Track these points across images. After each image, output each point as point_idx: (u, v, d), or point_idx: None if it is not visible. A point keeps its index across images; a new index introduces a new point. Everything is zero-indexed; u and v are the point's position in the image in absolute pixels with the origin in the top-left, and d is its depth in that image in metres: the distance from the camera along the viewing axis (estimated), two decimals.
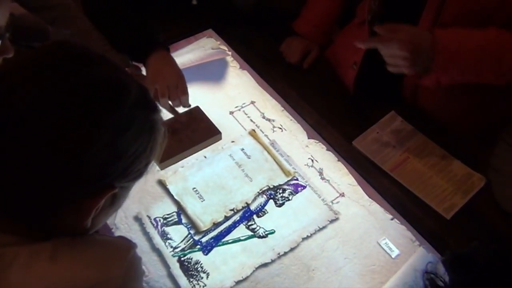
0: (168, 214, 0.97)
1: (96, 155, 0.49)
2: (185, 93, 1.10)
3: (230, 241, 0.94)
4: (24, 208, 0.51)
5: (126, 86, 0.53)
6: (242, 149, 1.08)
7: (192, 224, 0.95)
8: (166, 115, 1.12)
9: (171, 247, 0.92)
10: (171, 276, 0.89)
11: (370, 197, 1.03)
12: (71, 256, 0.52)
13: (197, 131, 1.10)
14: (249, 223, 0.97)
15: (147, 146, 0.56)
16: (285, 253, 0.94)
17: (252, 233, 0.96)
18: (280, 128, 1.15)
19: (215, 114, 1.15)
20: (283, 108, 1.19)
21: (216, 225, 0.96)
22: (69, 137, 0.48)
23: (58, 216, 0.52)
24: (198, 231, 0.94)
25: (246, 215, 0.98)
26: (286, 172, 1.05)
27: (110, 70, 0.53)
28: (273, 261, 0.92)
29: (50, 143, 0.48)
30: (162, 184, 1.01)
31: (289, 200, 1.02)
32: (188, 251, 0.92)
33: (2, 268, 0.48)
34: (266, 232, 0.96)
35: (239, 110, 1.18)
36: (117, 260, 0.54)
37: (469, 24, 0.93)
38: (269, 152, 1.08)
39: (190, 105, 1.12)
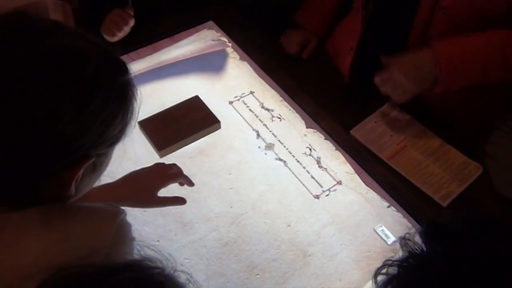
0: None
1: (64, 129, 0.49)
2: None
3: None
4: (5, 183, 0.51)
5: (83, 54, 0.51)
6: None
7: None
8: (165, 105, 1.14)
9: None
10: None
11: (367, 185, 1.04)
12: (60, 221, 0.53)
13: (197, 120, 1.11)
14: None
15: (119, 111, 0.55)
16: (282, 239, 0.95)
17: None
18: (279, 118, 1.16)
19: (214, 103, 1.16)
20: (282, 98, 1.20)
21: None
22: (32, 115, 0.48)
23: (40, 188, 0.53)
24: None
25: None
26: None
27: (65, 39, 0.51)
28: (269, 246, 0.93)
29: (14, 122, 0.47)
30: None
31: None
32: None
33: None
34: None
35: (238, 100, 1.19)
36: (105, 227, 0.55)
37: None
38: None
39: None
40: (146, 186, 0.85)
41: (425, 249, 0.50)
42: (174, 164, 0.92)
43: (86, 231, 0.54)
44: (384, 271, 0.52)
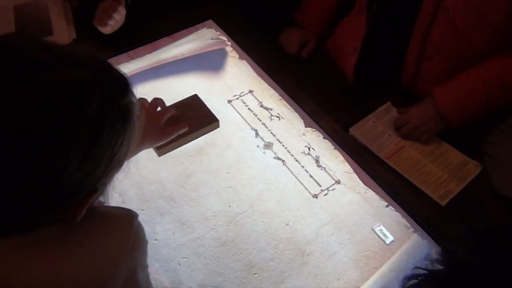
0: None
1: (70, 176, 0.46)
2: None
3: None
4: (10, 223, 0.49)
5: (84, 90, 0.47)
6: None
7: None
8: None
9: None
10: None
11: (365, 185, 1.03)
12: (75, 239, 0.51)
13: (195, 119, 1.11)
14: None
15: (124, 135, 0.52)
16: (280, 238, 0.94)
17: None
18: (278, 117, 1.16)
19: (213, 102, 1.16)
20: (281, 97, 1.20)
21: None
22: (39, 166, 0.44)
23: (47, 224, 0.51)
24: None
25: None
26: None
27: (62, 72, 0.46)
28: (267, 245, 0.93)
29: (16, 175, 0.44)
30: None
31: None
32: None
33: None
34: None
35: (237, 99, 1.19)
36: (124, 229, 0.54)
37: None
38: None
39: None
40: (153, 130, 0.93)
41: (461, 257, 0.49)
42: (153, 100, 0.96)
43: (103, 245, 0.53)
44: (413, 281, 0.51)
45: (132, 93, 0.55)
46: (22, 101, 0.43)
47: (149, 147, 0.96)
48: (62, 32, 1.25)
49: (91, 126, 0.47)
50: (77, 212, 0.51)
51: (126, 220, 0.57)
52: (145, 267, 0.64)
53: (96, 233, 0.54)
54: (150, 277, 0.87)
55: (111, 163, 0.51)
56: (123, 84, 0.54)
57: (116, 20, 1.17)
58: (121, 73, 0.55)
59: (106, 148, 0.49)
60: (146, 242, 0.62)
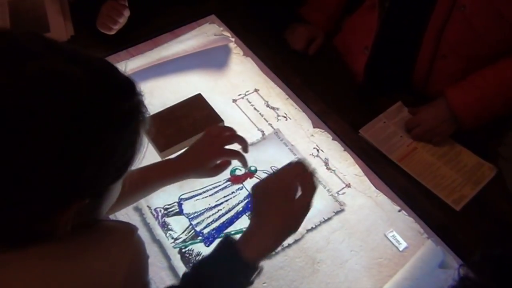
0: (169, 205, 0.94)
1: (49, 169, 0.43)
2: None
3: (232, 232, 0.92)
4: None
5: (75, 81, 0.44)
6: None
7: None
8: (166, 104, 1.09)
9: (172, 238, 0.90)
10: (171, 268, 0.86)
11: (377, 188, 1.00)
12: (71, 255, 0.48)
13: (199, 119, 1.07)
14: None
15: (119, 144, 0.48)
16: (289, 245, 0.91)
17: None
18: (285, 117, 1.12)
19: (217, 102, 1.12)
20: (287, 96, 1.16)
21: (219, 216, 0.93)
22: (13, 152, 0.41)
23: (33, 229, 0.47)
24: None
25: (249, 205, 0.96)
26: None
27: (55, 63, 0.44)
28: (277, 253, 0.90)
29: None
30: None
31: None
32: (190, 242, 0.90)
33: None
34: None
35: (243, 98, 1.15)
36: (123, 245, 0.50)
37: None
38: None
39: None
40: (204, 160, 0.81)
41: (479, 283, 0.46)
42: (226, 128, 0.87)
43: (99, 261, 0.49)
44: None
45: (138, 100, 0.51)
46: (10, 88, 0.41)
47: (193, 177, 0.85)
48: (60, 29, 1.21)
49: (76, 117, 0.43)
50: (59, 222, 0.46)
51: (125, 235, 0.53)
52: (147, 283, 0.60)
53: (91, 248, 0.50)
54: (156, 286, 0.85)
55: (101, 168, 0.47)
56: (125, 87, 0.50)
57: (121, 24, 1.13)
58: (126, 76, 0.51)
59: (95, 151, 0.45)
60: (147, 258, 0.58)
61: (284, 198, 0.66)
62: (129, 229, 0.54)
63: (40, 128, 0.41)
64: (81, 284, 0.47)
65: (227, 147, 0.83)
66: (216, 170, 0.84)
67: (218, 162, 0.84)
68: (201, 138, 0.84)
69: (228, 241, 0.66)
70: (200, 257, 0.85)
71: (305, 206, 0.66)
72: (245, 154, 0.84)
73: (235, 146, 0.84)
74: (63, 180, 0.44)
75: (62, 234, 0.47)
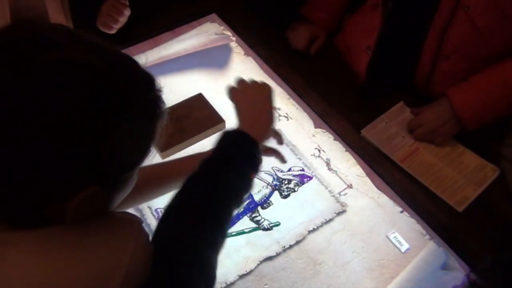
0: None
1: (63, 153, 0.43)
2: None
3: (233, 233, 0.91)
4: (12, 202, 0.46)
5: (93, 71, 0.45)
6: None
7: None
8: (166, 103, 1.08)
9: None
10: None
11: (379, 189, 0.99)
12: (74, 238, 0.48)
13: (200, 119, 1.06)
14: (253, 215, 0.94)
15: (139, 134, 0.50)
16: (291, 246, 0.90)
17: (257, 225, 0.93)
18: (286, 117, 1.11)
19: (218, 101, 1.11)
20: (289, 96, 1.15)
21: None
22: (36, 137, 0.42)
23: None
24: None
25: (250, 206, 0.95)
26: None
27: (75, 52, 0.45)
28: (278, 254, 0.89)
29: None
30: None
31: (294, 191, 0.98)
32: None
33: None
34: (271, 225, 0.93)
35: None
36: (125, 235, 0.50)
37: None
38: None
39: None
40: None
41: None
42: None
43: (104, 247, 0.49)
44: None
45: (157, 94, 0.53)
46: (23, 68, 0.42)
47: None
48: None
49: (87, 108, 0.44)
50: (68, 207, 0.46)
51: (128, 225, 0.52)
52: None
53: (95, 234, 0.49)
54: None
55: (114, 157, 0.47)
56: (145, 79, 0.51)
57: (121, 23, 1.12)
58: (146, 69, 0.53)
59: (110, 139, 0.46)
60: (151, 248, 0.56)
61: (257, 100, 0.78)
62: (135, 219, 0.54)
63: (55, 113, 0.42)
64: (84, 269, 0.47)
65: None
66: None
67: None
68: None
69: (230, 131, 0.70)
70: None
71: (269, 94, 0.79)
72: None
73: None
74: (76, 165, 0.44)
75: (71, 220, 0.48)
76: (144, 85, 0.51)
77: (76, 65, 0.44)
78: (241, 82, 0.79)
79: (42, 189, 0.45)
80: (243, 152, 0.68)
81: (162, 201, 0.93)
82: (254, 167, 0.69)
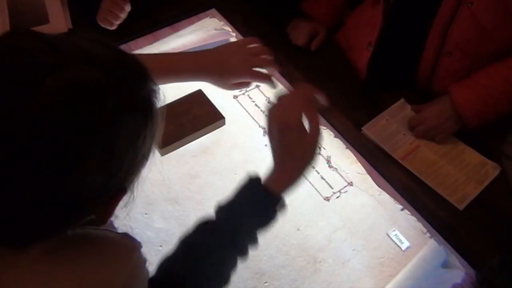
0: None
1: (95, 178, 0.44)
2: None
3: None
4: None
5: (96, 88, 0.43)
6: None
7: None
8: (165, 100, 1.07)
9: None
10: None
11: (379, 187, 0.99)
12: (68, 258, 0.47)
13: (200, 116, 1.05)
14: None
15: (145, 129, 0.49)
16: (291, 244, 0.90)
17: None
18: None
19: (218, 98, 1.10)
20: None
21: None
22: (58, 174, 0.42)
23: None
24: None
25: None
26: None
27: (71, 71, 0.42)
28: (278, 252, 0.89)
29: (40, 182, 0.41)
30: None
31: None
32: None
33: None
34: None
35: (244, 94, 1.13)
36: (120, 263, 0.49)
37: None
38: None
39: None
40: (232, 72, 0.81)
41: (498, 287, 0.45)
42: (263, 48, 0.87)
43: (96, 272, 0.48)
44: None
45: (151, 81, 0.51)
46: (29, 110, 0.40)
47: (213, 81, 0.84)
48: (59, 20, 1.18)
49: (109, 125, 0.43)
50: (107, 213, 0.50)
51: (125, 252, 0.51)
52: None
53: (88, 260, 0.48)
54: None
55: (135, 160, 0.49)
56: (140, 73, 0.50)
57: (122, 19, 1.11)
58: (137, 60, 0.51)
59: (128, 146, 0.47)
60: (146, 275, 0.57)
61: (298, 134, 0.68)
62: (132, 245, 0.53)
63: (77, 141, 0.42)
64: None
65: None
66: (236, 86, 0.86)
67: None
68: (236, 50, 0.83)
69: (254, 179, 0.66)
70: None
71: (317, 134, 0.69)
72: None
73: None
74: (109, 180, 0.46)
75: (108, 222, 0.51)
76: (139, 78, 0.50)
77: (76, 89, 0.42)
78: (288, 109, 0.69)
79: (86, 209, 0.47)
80: (262, 215, 0.65)
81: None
82: (271, 223, 0.67)
